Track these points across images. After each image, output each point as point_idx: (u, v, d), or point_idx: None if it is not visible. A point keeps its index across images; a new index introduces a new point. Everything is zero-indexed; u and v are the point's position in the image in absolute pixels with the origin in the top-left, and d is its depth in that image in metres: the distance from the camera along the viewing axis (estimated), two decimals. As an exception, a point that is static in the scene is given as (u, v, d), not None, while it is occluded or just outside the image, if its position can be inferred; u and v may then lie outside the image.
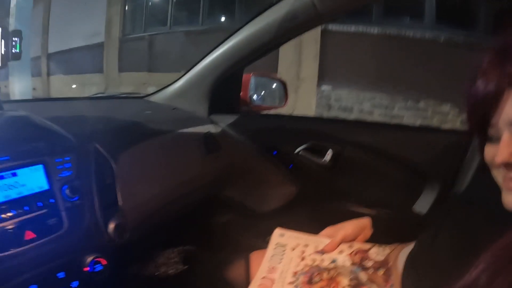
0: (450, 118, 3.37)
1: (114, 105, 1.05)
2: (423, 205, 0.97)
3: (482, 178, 0.54)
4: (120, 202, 0.58)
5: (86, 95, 6.34)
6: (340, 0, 0.84)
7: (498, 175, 0.46)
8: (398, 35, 3.44)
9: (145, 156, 0.71)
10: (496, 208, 0.49)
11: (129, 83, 5.47)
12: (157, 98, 1.02)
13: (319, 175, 1.00)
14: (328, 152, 0.98)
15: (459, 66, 3.06)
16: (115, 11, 5.97)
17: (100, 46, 6.04)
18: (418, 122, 3.42)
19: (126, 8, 6.03)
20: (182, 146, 0.84)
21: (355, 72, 3.48)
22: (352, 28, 3.44)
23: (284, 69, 3.52)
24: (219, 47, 0.93)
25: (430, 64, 3.33)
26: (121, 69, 5.77)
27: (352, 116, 3.56)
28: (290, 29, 0.87)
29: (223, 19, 4.79)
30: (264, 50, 0.91)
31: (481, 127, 0.45)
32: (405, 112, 3.43)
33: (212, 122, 0.97)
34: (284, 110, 1.23)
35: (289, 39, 0.94)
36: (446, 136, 1.02)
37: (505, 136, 0.42)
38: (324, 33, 3.45)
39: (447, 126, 3.36)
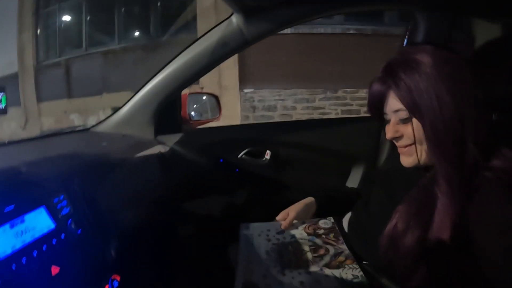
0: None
1: (68, 140, 1.04)
2: (353, 181, 1.18)
3: (394, 151, 0.70)
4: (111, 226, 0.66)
5: (6, 132, 5.77)
6: (264, 27, 0.92)
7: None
8: (310, 33, 3.64)
9: (114, 183, 0.77)
10: (405, 171, 0.66)
11: (50, 113, 5.08)
12: (103, 128, 1.05)
13: (263, 173, 1.13)
14: (266, 153, 1.12)
15: (369, 54, 3.36)
16: (27, 37, 5.50)
17: (14, 76, 5.52)
18: (338, 109, 3.65)
19: (38, 33, 5.58)
20: (141, 169, 0.91)
21: (274, 72, 3.61)
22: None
23: (206, 80, 3.52)
24: (159, 74, 1.00)
25: (343, 56, 3.58)
26: (39, 99, 5.32)
27: (277, 113, 3.68)
28: (222, 54, 0.97)
29: (138, 35, 4.66)
30: (201, 73, 1.00)
31: (378, 115, 0.63)
32: (326, 103, 3.64)
33: (160, 143, 1.02)
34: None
35: (221, 62, 1.00)
36: (362, 123, 1.22)
37: (391, 120, 0.61)
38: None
39: (365, 109, 3.62)
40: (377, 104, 0.62)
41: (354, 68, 3.48)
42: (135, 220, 0.77)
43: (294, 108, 3.65)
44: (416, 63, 0.57)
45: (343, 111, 3.63)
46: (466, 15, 1.03)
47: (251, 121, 3.64)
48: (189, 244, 1.03)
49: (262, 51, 3.47)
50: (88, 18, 4.94)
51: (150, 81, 1.01)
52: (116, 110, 1.06)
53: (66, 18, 5.35)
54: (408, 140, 0.60)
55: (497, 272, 0.51)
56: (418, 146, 0.59)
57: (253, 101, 3.66)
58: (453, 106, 0.55)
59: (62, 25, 5.39)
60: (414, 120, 0.58)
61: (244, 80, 3.65)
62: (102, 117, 1.07)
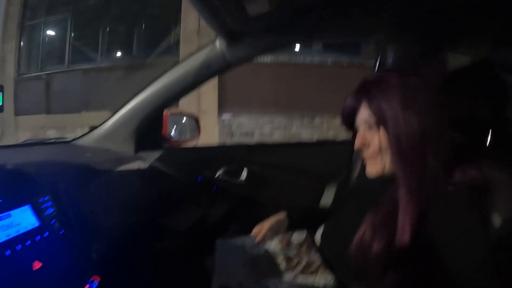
0: (344, 129, 3.73)
1: (51, 149, 1.07)
2: (326, 200, 1.24)
3: (363, 171, 0.74)
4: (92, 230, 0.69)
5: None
6: (245, 52, 0.99)
7: (363, 156, 0.70)
8: (289, 62, 3.75)
9: (95, 192, 0.81)
10: (372, 186, 0.73)
11: (27, 127, 4.96)
12: (85, 141, 1.07)
13: (239, 192, 1.18)
14: (243, 172, 1.18)
15: (345, 84, 3.46)
16: (10, 48, 5.42)
17: (-8, 87, 5.39)
18: (315, 136, 3.72)
19: (22, 44, 5.51)
20: (121, 182, 0.94)
21: (253, 99, 3.68)
22: (248, 59, 3.64)
23: (185, 103, 3.55)
24: (142, 92, 1.03)
25: (320, 85, 3.68)
26: (17, 112, 5.21)
27: (254, 139, 3.72)
28: (205, 76, 1.02)
29: (121, 55, 4.67)
30: (183, 93, 1.04)
31: (350, 126, 0.72)
32: (303, 130, 3.71)
33: (139, 159, 1.05)
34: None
35: (204, 83, 1.05)
36: (335, 147, 1.34)
37: (360, 129, 0.68)
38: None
39: (341, 136, 3.71)
40: (349, 115, 0.71)
41: (331, 97, 3.57)
42: (115, 228, 0.79)
43: (271, 134, 3.70)
44: (387, 83, 0.64)
45: (319, 138, 3.71)
46: (432, 48, 1.12)
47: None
48: (166, 255, 1.03)
49: (241, 78, 3.54)
50: (72, 34, 4.94)
51: (134, 99, 1.04)
52: (98, 125, 1.08)
53: (51, 32, 5.33)
54: (374, 150, 0.66)
55: (458, 274, 0.56)
56: (383, 156, 0.65)
57: (231, 127, 3.69)
58: (417, 124, 0.60)
59: (46, 39, 5.35)
60: (381, 130, 0.64)
61: (223, 105, 3.69)
62: (80, 134, 1.09)
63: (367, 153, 0.68)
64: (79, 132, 4.28)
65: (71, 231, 0.63)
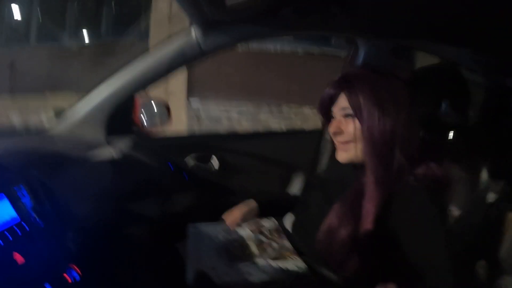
0: (310, 118, 3.81)
1: (22, 138, 1.03)
2: (294, 188, 1.29)
3: (331, 161, 0.79)
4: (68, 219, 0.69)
5: None
6: (221, 41, 0.98)
7: (335, 142, 0.75)
8: (260, 50, 3.75)
9: (67, 179, 0.81)
10: (340, 176, 0.77)
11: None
12: (58, 130, 1.05)
13: (209, 178, 1.21)
14: (214, 161, 1.22)
15: (315, 74, 3.53)
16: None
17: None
18: (282, 124, 3.77)
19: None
20: (92, 169, 0.95)
21: (221, 84, 3.67)
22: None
23: (153, 85, 3.49)
24: (114, 77, 1.02)
25: (290, 73, 3.72)
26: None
27: (222, 124, 3.73)
28: (179, 63, 1.02)
29: (89, 34, 4.52)
30: (156, 80, 1.05)
31: (326, 113, 0.76)
32: (270, 118, 3.75)
33: (111, 146, 1.05)
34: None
35: (177, 69, 1.06)
36: (303, 135, 1.38)
37: (337, 116, 0.74)
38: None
39: (308, 125, 3.78)
40: (327, 103, 0.75)
41: (299, 86, 3.64)
42: (91, 217, 0.81)
43: (238, 120, 3.72)
44: (366, 79, 0.71)
45: (286, 125, 3.76)
46: (402, 45, 1.16)
47: (195, 130, 3.66)
48: (140, 242, 1.04)
49: (210, 63, 3.51)
50: (39, 10, 4.72)
51: (105, 84, 1.02)
52: (66, 110, 1.06)
53: (16, 8, 5.07)
54: (347, 137, 0.71)
55: (415, 258, 0.61)
56: (355, 144, 0.70)
57: (199, 111, 3.68)
58: (389, 120, 0.66)
59: (12, 15, 5.08)
60: (356, 121, 0.69)
61: (191, 89, 3.66)
62: (44, 117, 1.06)
63: (340, 139, 0.73)
64: (43, 114, 4.13)
65: (46, 220, 0.64)
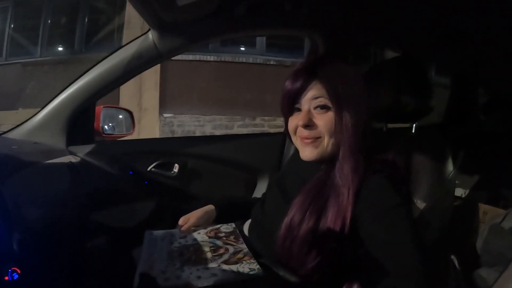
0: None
1: None
2: (259, 192, 1.24)
3: (293, 160, 0.76)
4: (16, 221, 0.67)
5: None
6: (176, 43, 1.00)
7: (297, 139, 0.69)
8: (232, 62, 3.77)
9: (23, 183, 0.78)
10: (296, 171, 0.75)
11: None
12: (15, 134, 1.04)
13: (171, 185, 1.19)
14: (174, 166, 1.19)
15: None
16: None
17: None
18: (257, 137, 3.78)
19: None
20: (51, 174, 0.92)
21: (194, 98, 3.68)
22: (190, 56, 3.63)
23: (126, 100, 3.48)
24: (74, 83, 1.01)
25: (263, 85, 3.73)
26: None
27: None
28: (136, 66, 1.02)
29: (62, 49, 4.47)
30: (115, 85, 1.04)
31: (290, 106, 0.68)
32: (244, 129, 3.76)
33: (71, 153, 1.03)
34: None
35: (136, 74, 1.06)
36: (266, 138, 1.36)
37: (305, 108, 0.66)
38: (163, 62, 3.53)
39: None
40: (294, 93, 0.67)
41: (273, 97, 3.65)
42: (41, 220, 0.78)
43: (212, 134, 3.72)
44: (337, 66, 0.67)
45: (261, 138, 3.78)
46: (361, 43, 1.17)
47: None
48: (94, 249, 1.01)
49: (183, 76, 3.52)
50: (12, 25, 4.65)
51: (65, 90, 1.02)
52: (29, 118, 1.05)
53: (-11, 22, 4.99)
54: (318, 132, 0.65)
55: (381, 251, 0.57)
56: (327, 138, 0.65)
57: (173, 125, 3.67)
58: (361, 109, 0.65)
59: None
60: (329, 113, 0.64)
61: (164, 104, 3.65)
62: None
63: (309, 133, 0.66)
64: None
65: None
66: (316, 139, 0.66)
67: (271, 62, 3.84)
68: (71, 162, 1.01)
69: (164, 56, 1.03)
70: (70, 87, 1.03)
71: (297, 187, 0.70)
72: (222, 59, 3.70)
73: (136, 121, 1.36)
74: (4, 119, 4.07)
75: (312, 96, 0.65)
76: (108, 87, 1.04)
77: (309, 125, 0.65)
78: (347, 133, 0.63)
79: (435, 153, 0.82)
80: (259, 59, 3.83)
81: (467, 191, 1.21)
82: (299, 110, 0.68)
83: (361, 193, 0.61)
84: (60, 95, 1.03)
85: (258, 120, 3.78)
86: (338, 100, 0.63)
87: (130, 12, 3.72)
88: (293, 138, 0.71)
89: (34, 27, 4.43)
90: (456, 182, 0.97)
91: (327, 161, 0.67)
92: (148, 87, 3.53)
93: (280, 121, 3.80)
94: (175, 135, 3.64)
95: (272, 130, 3.78)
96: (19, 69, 4.32)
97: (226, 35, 1.13)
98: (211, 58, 3.69)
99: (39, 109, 1.05)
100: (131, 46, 1.01)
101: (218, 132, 3.72)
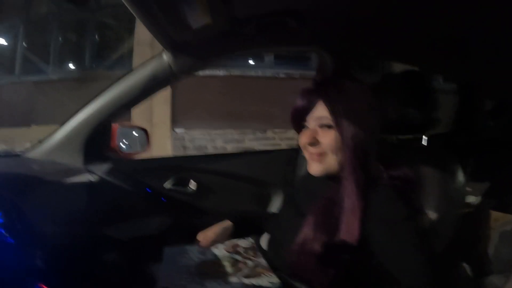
0: (296, 141, 3.80)
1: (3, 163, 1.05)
2: (275, 208, 1.27)
3: (303, 174, 0.80)
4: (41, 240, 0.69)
5: None
6: (190, 63, 1.02)
7: (306, 154, 0.73)
8: (242, 75, 3.78)
9: (44, 204, 0.80)
10: (308, 187, 0.78)
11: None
12: (34, 154, 1.07)
13: (188, 201, 1.21)
14: (191, 183, 1.21)
15: (297, 96, 3.53)
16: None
17: None
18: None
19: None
20: (70, 194, 0.94)
21: (205, 113, 3.68)
22: (199, 71, 3.63)
23: (137, 116, 3.50)
24: (90, 103, 1.04)
25: (272, 98, 3.74)
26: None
27: (207, 153, 3.72)
28: (152, 87, 1.04)
29: (73, 66, 4.54)
30: (131, 105, 1.07)
31: (298, 123, 0.74)
32: (255, 143, 3.75)
33: (89, 171, 1.06)
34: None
35: (151, 94, 1.07)
36: (280, 154, 1.39)
37: (311, 125, 0.71)
38: (176, 80, 3.56)
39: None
40: (301, 112, 0.72)
41: (283, 110, 3.63)
42: (63, 238, 0.79)
43: (224, 148, 3.72)
44: (342, 85, 0.70)
45: (273, 151, 3.76)
46: (369, 56, 1.19)
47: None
48: (114, 266, 1.02)
49: (194, 91, 3.53)
50: (23, 43, 4.74)
51: (82, 110, 1.04)
52: (46, 137, 1.08)
53: (1, 41, 5.08)
54: (323, 148, 0.69)
55: (392, 264, 0.60)
56: (331, 155, 0.69)
57: (184, 140, 3.68)
58: (366, 126, 0.67)
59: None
60: (334, 131, 0.68)
61: (175, 119, 3.67)
62: None
63: (314, 150, 0.70)
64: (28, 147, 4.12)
65: (19, 240, 0.64)
66: (321, 155, 0.70)
67: (280, 75, 3.84)
68: (89, 180, 1.03)
69: (179, 76, 1.05)
70: (86, 107, 1.05)
71: (309, 203, 0.73)
72: (232, 74, 3.71)
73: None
74: (18, 135, 4.13)
75: (317, 115, 0.70)
76: (125, 108, 1.07)
77: (314, 142, 0.69)
78: (349, 151, 0.66)
79: (445, 164, 0.84)
80: (268, 73, 3.83)
81: (478, 198, 1.20)
82: (307, 127, 0.73)
83: (370, 207, 0.63)
84: (76, 115, 1.06)
85: (269, 133, 3.77)
86: (339, 120, 0.67)
87: (140, 28, 3.77)
88: (304, 152, 0.75)
89: (45, 45, 4.51)
90: (467, 189, 0.98)
91: (335, 177, 0.70)
92: (159, 103, 3.55)
93: (291, 133, 3.80)
94: (186, 150, 3.65)
95: (283, 143, 3.77)
96: (31, 87, 4.38)
97: (237, 53, 1.17)
98: (220, 72, 3.71)
99: (51, 125, 1.07)
100: (146, 67, 1.03)
101: (229, 146, 3.72)
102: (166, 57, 1.00)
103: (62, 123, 1.08)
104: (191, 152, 3.69)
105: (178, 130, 3.69)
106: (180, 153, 3.67)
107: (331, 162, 0.69)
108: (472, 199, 1.21)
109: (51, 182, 0.91)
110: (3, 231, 0.63)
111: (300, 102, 0.72)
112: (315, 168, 0.71)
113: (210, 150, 3.69)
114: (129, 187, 1.14)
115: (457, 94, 1.38)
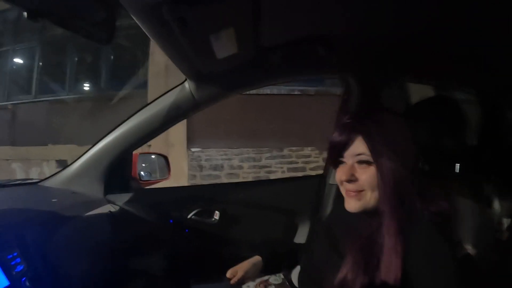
0: (313, 159, 3.80)
1: (17, 193, 1.01)
2: (301, 236, 1.23)
3: (335, 207, 0.77)
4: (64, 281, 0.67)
5: None
6: (214, 93, 1.00)
7: (342, 190, 0.70)
8: (257, 93, 3.79)
9: (66, 239, 0.78)
10: (344, 221, 0.73)
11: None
12: (53, 182, 1.04)
13: (212, 232, 1.16)
14: (215, 213, 1.16)
15: (313, 113, 3.55)
16: (-25, 76, 5.23)
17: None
18: (285, 167, 3.75)
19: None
20: (91, 227, 0.92)
21: (221, 131, 3.70)
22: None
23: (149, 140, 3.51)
24: (111, 132, 1.02)
25: (288, 115, 3.75)
26: (-20, 143, 4.99)
27: (224, 172, 3.72)
28: (174, 117, 1.01)
29: (89, 87, 4.61)
30: (153, 135, 1.03)
31: (335, 159, 0.69)
32: (272, 161, 3.74)
33: (109, 202, 1.02)
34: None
35: (173, 124, 1.05)
36: (304, 181, 1.34)
37: (349, 163, 0.67)
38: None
39: (311, 166, 3.77)
40: (340, 148, 0.68)
41: (299, 127, 3.66)
42: (86, 275, 0.78)
43: (240, 167, 3.71)
44: (381, 119, 0.68)
45: (289, 169, 3.74)
46: (394, 78, 1.16)
47: (198, 180, 3.63)
48: None
49: (209, 110, 3.53)
50: (40, 64, 4.84)
51: (102, 139, 1.03)
52: (66, 166, 1.06)
53: (18, 61, 5.20)
54: (361, 185, 0.66)
55: None
56: (369, 192, 0.66)
57: (200, 160, 3.68)
58: (406, 163, 0.64)
59: (14, 68, 5.21)
60: (373, 167, 0.65)
61: (191, 138, 3.68)
62: (46, 169, 1.06)
63: (352, 187, 0.67)
64: (45, 166, 4.16)
65: (39, 285, 0.62)
66: (359, 192, 0.67)
67: (295, 92, 3.86)
68: (110, 212, 1.01)
69: (202, 105, 1.03)
70: (107, 136, 1.03)
71: (346, 239, 0.70)
72: (247, 92, 3.73)
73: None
74: (35, 154, 4.18)
75: (355, 152, 0.67)
76: (146, 138, 1.04)
77: (352, 179, 0.67)
78: (389, 188, 0.64)
79: (479, 192, 0.80)
80: (283, 90, 3.85)
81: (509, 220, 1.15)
82: (344, 162, 0.70)
83: (411, 246, 0.61)
84: (97, 144, 1.04)
85: (285, 151, 3.77)
86: (378, 157, 0.64)
87: (155, 49, 3.83)
88: (341, 188, 0.72)
89: (61, 66, 4.60)
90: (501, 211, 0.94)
91: (374, 214, 0.67)
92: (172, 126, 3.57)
93: (307, 150, 3.79)
94: (203, 169, 3.65)
95: (300, 161, 3.76)
96: (48, 107, 4.45)
97: (263, 84, 1.13)
98: (235, 93, 3.72)
99: (67, 145, 1.05)
100: (168, 97, 1.01)
101: (246, 165, 3.71)
102: (189, 86, 0.98)
103: (78, 142, 1.06)
104: (208, 171, 3.68)
105: (194, 150, 3.69)
106: (196, 172, 3.66)
107: (369, 199, 0.66)
108: (506, 221, 1.17)
109: (71, 216, 0.88)
110: (27, 282, 0.60)
111: (337, 137, 0.69)
112: (352, 205, 0.68)
113: (227, 169, 3.69)
114: (151, 218, 1.10)
115: (480, 107, 1.36)
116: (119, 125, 1.03)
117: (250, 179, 3.59)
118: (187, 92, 0.99)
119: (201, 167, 3.66)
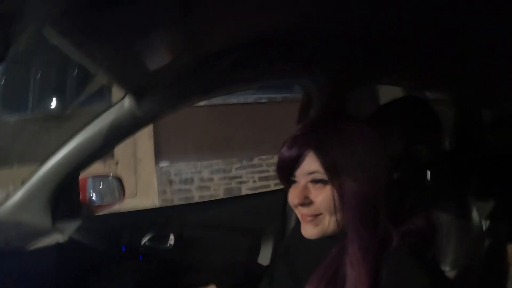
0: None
1: None
2: (265, 257, 1.18)
3: (297, 225, 0.67)
4: None
5: None
6: (155, 107, 0.93)
7: (298, 214, 0.60)
8: (223, 103, 3.75)
9: (9, 275, 0.75)
10: (305, 244, 0.64)
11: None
12: None
13: (168, 258, 1.11)
14: (170, 237, 1.11)
15: (281, 120, 3.52)
16: None
17: None
18: (256, 177, 3.74)
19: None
20: (38, 260, 0.87)
21: (190, 144, 3.65)
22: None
23: (120, 152, 3.45)
24: (52, 157, 0.94)
25: (256, 124, 3.73)
26: None
27: (194, 185, 3.67)
28: (116, 136, 0.95)
29: (54, 105, 4.49)
30: (96, 156, 0.96)
31: (287, 178, 0.59)
32: (243, 171, 3.72)
33: (57, 231, 0.97)
34: (127, 194, 1.25)
35: (118, 143, 0.98)
36: (267, 197, 1.29)
37: (301, 183, 0.57)
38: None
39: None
40: (288, 165, 0.58)
41: (267, 135, 3.63)
42: None
43: (211, 179, 3.68)
44: (337, 129, 0.57)
45: (260, 178, 3.73)
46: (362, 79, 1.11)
47: (168, 195, 3.58)
48: None
49: (176, 123, 3.50)
50: (2, 82, 4.67)
51: (44, 165, 0.95)
52: (7, 196, 0.97)
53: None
54: (317, 209, 0.57)
55: None
56: (327, 216, 0.57)
57: (170, 174, 3.62)
58: (370, 179, 0.55)
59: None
60: (330, 187, 0.55)
61: (159, 152, 3.62)
62: (11, 190, 0.99)
63: (307, 211, 0.58)
64: (11, 187, 4.00)
65: None
66: (316, 216, 0.57)
67: (262, 100, 3.85)
68: (58, 242, 0.95)
69: (144, 122, 0.96)
70: (49, 161, 0.96)
71: (307, 267, 0.62)
72: (213, 103, 3.69)
73: (131, 173, 1.31)
74: (0, 175, 4.02)
75: (307, 171, 0.57)
76: (89, 160, 0.98)
77: (305, 203, 0.57)
78: (351, 211, 0.55)
79: (455, 203, 0.76)
80: (250, 99, 3.83)
81: (488, 224, 1.11)
82: (296, 182, 0.60)
83: (382, 277, 0.53)
84: (39, 170, 0.97)
85: (255, 160, 3.75)
86: (334, 174, 0.54)
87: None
88: (296, 212, 0.62)
89: (24, 83, 4.45)
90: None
91: (335, 239, 0.59)
92: (142, 137, 3.51)
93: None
94: (173, 184, 3.59)
95: (271, 169, 3.74)
96: (12, 126, 4.30)
97: (210, 95, 1.06)
98: (202, 102, 3.68)
99: (34, 164, 1.00)
100: (108, 115, 0.94)
101: (216, 177, 3.67)
102: (128, 103, 0.92)
103: (44, 161, 1.00)
104: (178, 186, 3.63)
105: (163, 165, 3.63)
106: (166, 188, 3.61)
107: (328, 224, 0.57)
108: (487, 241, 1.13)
109: (15, 250, 0.84)
110: None
111: (285, 152, 0.58)
112: (309, 231, 0.59)
113: (197, 182, 3.65)
114: (103, 247, 1.05)
115: (453, 108, 1.24)
116: (59, 148, 0.96)
117: (221, 191, 3.56)
118: (126, 109, 0.91)
119: (171, 182, 3.60)
